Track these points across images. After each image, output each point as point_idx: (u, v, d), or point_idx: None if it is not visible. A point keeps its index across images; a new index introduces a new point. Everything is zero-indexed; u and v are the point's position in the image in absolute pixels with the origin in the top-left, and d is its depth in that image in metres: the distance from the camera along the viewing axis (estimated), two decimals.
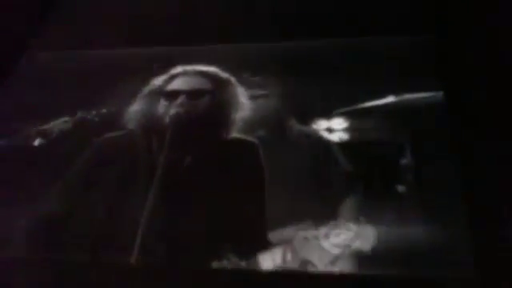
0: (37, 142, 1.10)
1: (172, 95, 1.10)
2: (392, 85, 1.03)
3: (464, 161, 0.90)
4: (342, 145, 0.99)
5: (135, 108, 1.11)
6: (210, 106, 1.08)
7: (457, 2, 1.15)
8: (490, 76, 1.01)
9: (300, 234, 0.87)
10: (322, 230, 0.86)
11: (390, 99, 1.02)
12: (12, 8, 1.39)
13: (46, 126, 1.12)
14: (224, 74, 1.12)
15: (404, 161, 0.93)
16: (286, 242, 0.86)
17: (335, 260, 0.83)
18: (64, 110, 1.13)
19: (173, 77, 1.15)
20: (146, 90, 1.14)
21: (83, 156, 1.05)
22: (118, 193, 0.98)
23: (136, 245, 0.88)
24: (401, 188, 0.90)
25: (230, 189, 0.96)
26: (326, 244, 0.85)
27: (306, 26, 1.21)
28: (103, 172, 1.01)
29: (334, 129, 1.01)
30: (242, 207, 0.93)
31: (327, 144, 0.99)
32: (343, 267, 0.83)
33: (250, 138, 1.02)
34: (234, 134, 1.04)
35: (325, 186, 0.93)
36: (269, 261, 0.85)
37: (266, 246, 0.86)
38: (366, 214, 0.87)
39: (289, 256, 0.85)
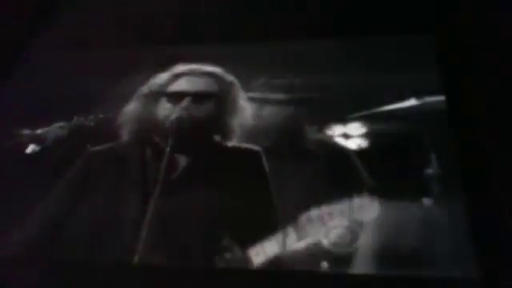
0: (30, 148, 1.06)
1: (176, 96, 1.02)
2: (401, 87, 0.99)
3: (464, 160, 0.90)
4: (359, 152, 0.93)
5: (130, 109, 1.04)
6: (214, 110, 1.00)
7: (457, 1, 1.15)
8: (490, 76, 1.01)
9: (304, 215, 0.84)
10: (326, 209, 0.84)
11: (410, 102, 0.97)
12: (12, 8, 1.39)
13: (40, 131, 1.07)
14: (229, 77, 1.04)
15: (429, 171, 0.89)
16: (290, 224, 0.84)
17: (343, 236, 0.82)
18: (61, 114, 1.09)
19: (177, 76, 1.06)
20: (145, 89, 1.06)
21: (77, 164, 1.00)
22: (117, 197, 0.94)
23: (138, 246, 0.86)
24: (426, 200, 0.85)
25: (232, 192, 0.92)
26: (330, 223, 0.83)
27: (306, 26, 1.21)
28: (100, 177, 0.98)
29: (351, 135, 0.95)
30: (245, 205, 0.90)
31: (343, 151, 0.94)
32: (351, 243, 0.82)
33: (251, 146, 0.96)
34: (237, 142, 0.98)
35: (340, 197, 0.88)
36: (275, 246, 0.83)
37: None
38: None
39: (294, 238, 0.83)
